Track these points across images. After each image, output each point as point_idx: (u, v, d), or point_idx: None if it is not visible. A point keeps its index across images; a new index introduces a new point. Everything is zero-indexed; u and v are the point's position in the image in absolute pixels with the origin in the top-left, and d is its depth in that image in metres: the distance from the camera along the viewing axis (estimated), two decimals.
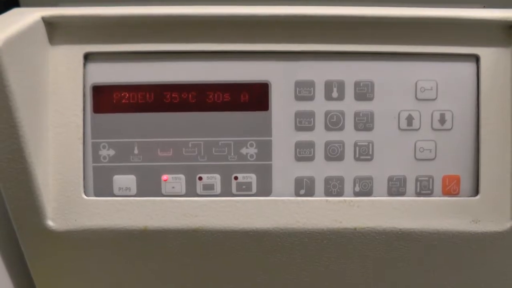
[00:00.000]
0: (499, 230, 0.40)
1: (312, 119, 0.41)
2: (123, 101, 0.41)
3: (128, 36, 0.41)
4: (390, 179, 0.41)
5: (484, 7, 0.42)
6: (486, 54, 0.40)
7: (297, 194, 0.41)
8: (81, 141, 0.41)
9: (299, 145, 0.41)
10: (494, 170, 0.40)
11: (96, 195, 0.42)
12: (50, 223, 0.41)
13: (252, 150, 0.41)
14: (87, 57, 0.41)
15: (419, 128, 0.41)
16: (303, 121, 0.41)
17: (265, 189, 0.41)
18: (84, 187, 0.41)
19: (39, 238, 0.42)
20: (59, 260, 0.44)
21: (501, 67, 0.40)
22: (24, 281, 0.48)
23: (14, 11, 0.41)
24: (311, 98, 0.41)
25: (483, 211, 0.40)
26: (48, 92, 0.41)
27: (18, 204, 0.40)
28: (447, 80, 0.40)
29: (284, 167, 0.41)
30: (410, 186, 0.41)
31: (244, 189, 0.41)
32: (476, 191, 0.41)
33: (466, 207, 0.41)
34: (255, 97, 0.41)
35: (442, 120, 0.41)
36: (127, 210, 0.41)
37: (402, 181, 0.41)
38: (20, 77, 0.36)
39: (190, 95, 0.41)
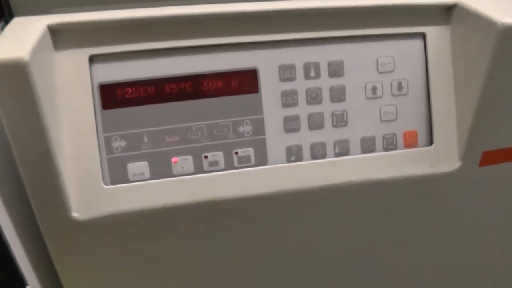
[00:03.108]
0: (451, 170, 0.50)
1: (295, 96, 0.48)
2: (128, 96, 0.45)
3: (128, 37, 0.45)
4: (362, 139, 0.49)
5: None
6: (431, 31, 0.48)
7: (289, 160, 0.48)
8: (95, 136, 0.45)
9: (286, 119, 0.48)
10: (444, 124, 0.49)
11: (113, 183, 0.46)
12: (75, 214, 0.45)
13: (248, 128, 0.47)
14: (92, 59, 0.44)
15: (382, 96, 0.49)
16: (288, 99, 0.47)
17: (262, 160, 0.48)
18: (102, 177, 0.45)
19: (65, 230, 0.46)
20: (84, 250, 0.48)
21: (443, 41, 0.48)
22: (47, 275, 0.51)
23: (17, 22, 0.43)
24: (293, 79, 0.47)
25: (438, 157, 0.50)
26: (58, 94, 0.44)
27: (43, 200, 0.44)
28: (401, 54, 0.49)
29: (276, 139, 0.48)
30: (379, 143, 0.49)
31: (244, 162, 0.48)
32: (431, 142, 0.50)
33: (424, 155, 0.50)
34: (246, 82, 0.47)
35: (400, 88, 0.49)
36: (144, 192, 0.46)
37: (372, 140, 0.49)
38: (42, 84, 0.40)
39: (187, 85, 0.46)
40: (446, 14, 0.49)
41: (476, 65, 0.46)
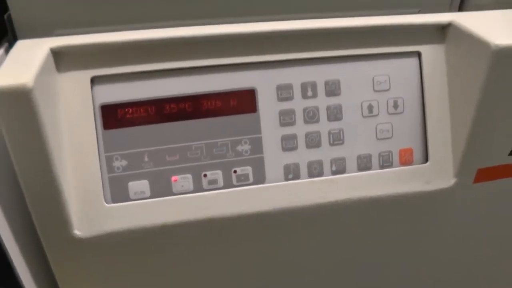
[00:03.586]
0: (446, 187, 0.51)
1: (293, 116, 0.48)
2: (129, 116, 0.46)
3: (128, 59, 0.46)
4: (358, 157, 0.50)
5: (419, 12, 0.51)
6: (426, 50, 0.49)
7: (287, 178, 0.49)
8: (96, 155, 0.46)
9: (284, 138, 0.49)
10: (439, 141, 0.50)
11: (114, 202, 0.47)
12: (77, 232, 0.46)
13: (247, 147, 0.48)
14: (94, 80, 0.45)
15: (378, 114, 0.50)
16: (286, 118, 0.48)
17: (260, 178, 0.49)
18: (104, 195, 0.46)
19: (66, 247, 0.47)
20: (85, 266, 0.49)
21: (438, 60, 0.49)
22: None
23: (21, 45, 0.44)
24: (290, 98, 0.48)
25: (433, 174, 0.51)
26: (60, 114, 0.45)
27: (46, 218, 0.45)
28: (397, 73, 0.49)
29: (274, 157, 0.49)
30: (375, 161, 0.50)
31: (243, 180, 0.49)
32: (426, 159, 0.51)
33: (419, 172, 0.51)
34: (244, 101, 0.48)
35: (396, 106, 0.50)
36: (145, 210, 0.47)
37: (368, 157, 0.50)
38: (45, 107, 0.41)
39: (186, 105, 0.47)
40: (441, 33, 0.49)
41: (470, 84, 0.47)
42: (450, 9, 0.54)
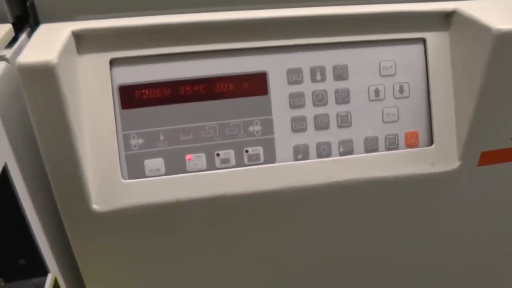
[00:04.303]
0: (450, 169, 0.52)
1: (302, 98, 0.50)
2: (146, 97, 0.48)
3: (146, 42, 0.48)
4: (365, 139, 0.52)
5: (424, 0, 0.53)
6: (431, 37, 0.51)
7: (296, 159, 0.51)
8: (114, 134, 0.48)
9: (294, 120, 0.50)
10: (443, 125, 0.52)
11: (130, 178, 0.49)
12: (95, 206, 0.48)
13: (258, 128, 0.50)
14: (112, 62, 0.47)
15: (384, 98, 0.52)
16: (296, 101, 0.50)
17: (270, 158, 0.51)
18: (121, 172, 0.48)
19: (84, 221, 0.49)
20: (102, 240, 0.51)
21: (443, 46, 0.51)
22: (68, 264, 0.54)
23: (44, 28, 0.47)
24: (300, 82, 0.50)
25: (438, 157, 0.52)
26: (80, 95, 0.47)
27: (65, 192, 0.47)
28: (403, 59, 0.51)
29: (284, 138, 0.51)
30: (381, 143, 0.52)
31: (254, 160, 0.50)
32: (431, 142, 0.52)
33: (424, 155, 0.52)
34: (256, 84, 0.50)
35: (401, 90, 0.52)
36: (159, 187, 0.49)
37: (375, 140, 0.52)
38: (67, 85, 0.43)
39: (201, 87, 0.49)
40: (445, 20, 0.51)
41: (473, 69, 0.48)
42: None
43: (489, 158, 0.53)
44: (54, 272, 0.50)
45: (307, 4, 0.50)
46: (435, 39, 0.51)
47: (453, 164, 0.52)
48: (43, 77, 0.41)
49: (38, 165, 0.49)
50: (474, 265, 0.65)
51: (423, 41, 0.51)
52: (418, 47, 0.51)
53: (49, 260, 0.50)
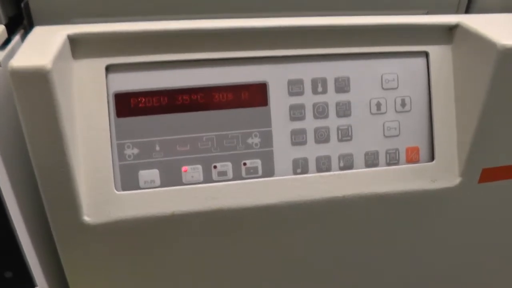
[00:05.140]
0: (451, 186, 0.52)
1: (303, 110, 0.49)
2: (142, 105, 0.47)
3: (144, 48, 0.46)
4: (366, 154, 0.51)
5: (427, 13, 0.53)
6: (434, 50, 0.50)
7: (295, 172, 0.50)
8: (108, 142, 0.46)
9: (294, 132, 0.49)
10: (445, 140, 0.51)
11: (124, 190, 0.47)
12: (86, 218, 0.46)
13: (256, 140, 0.49)
14: (108, 68, 0.46)
15: (385, 112, 0.51)
16: (296, 113, 0.49)
17: (269, 171, 0.49)
18: (114, 183, 0.47)
19: (75, 233, 0.47)
20: (92, 253, 0.49)
21: (446, 60, 0.50)
22: (55, 277, 0.52)
23: (38, 31, 0.45)
24: (301, 93, 0.49)
25: (439, 173, 0.51)
26: (75, 101, 0.45)
27: (56, 202, 0.45)
28: (405, 72, 0.50)
29: (283, 151, 0.49)
30: (382, 158, 0.51)
31: (252, 173, 0.49)
32: (432, 158, 0.52)
33: (425, 170, 0.51)
34: (256, 95, 0.48)
35: (403, 104, 0.51)
36: (154, 199, 0.47)
37: (375, 154, 0.51)
38: (61, 91, 0.41)
39: (199, 97, 0.48)
40: (448, 34, 0.51)
41: (476, 84, 0.48)
42: (457, 12, 0.55)
43: (490, 175, 0.52)
44: (41, 285, 0.48)
45: (310, 14, 0.49)
46: (438, 52, 0.50)
47: (454, 180, 0.52)
48: (36, 83, 0.39)
49: (28, 174, 0.47)
50: (474, 280, 0.64)
51: (426, 54, 0.51)
52: (421, 61, 0.51)
53: (37, 273, 0.48)
